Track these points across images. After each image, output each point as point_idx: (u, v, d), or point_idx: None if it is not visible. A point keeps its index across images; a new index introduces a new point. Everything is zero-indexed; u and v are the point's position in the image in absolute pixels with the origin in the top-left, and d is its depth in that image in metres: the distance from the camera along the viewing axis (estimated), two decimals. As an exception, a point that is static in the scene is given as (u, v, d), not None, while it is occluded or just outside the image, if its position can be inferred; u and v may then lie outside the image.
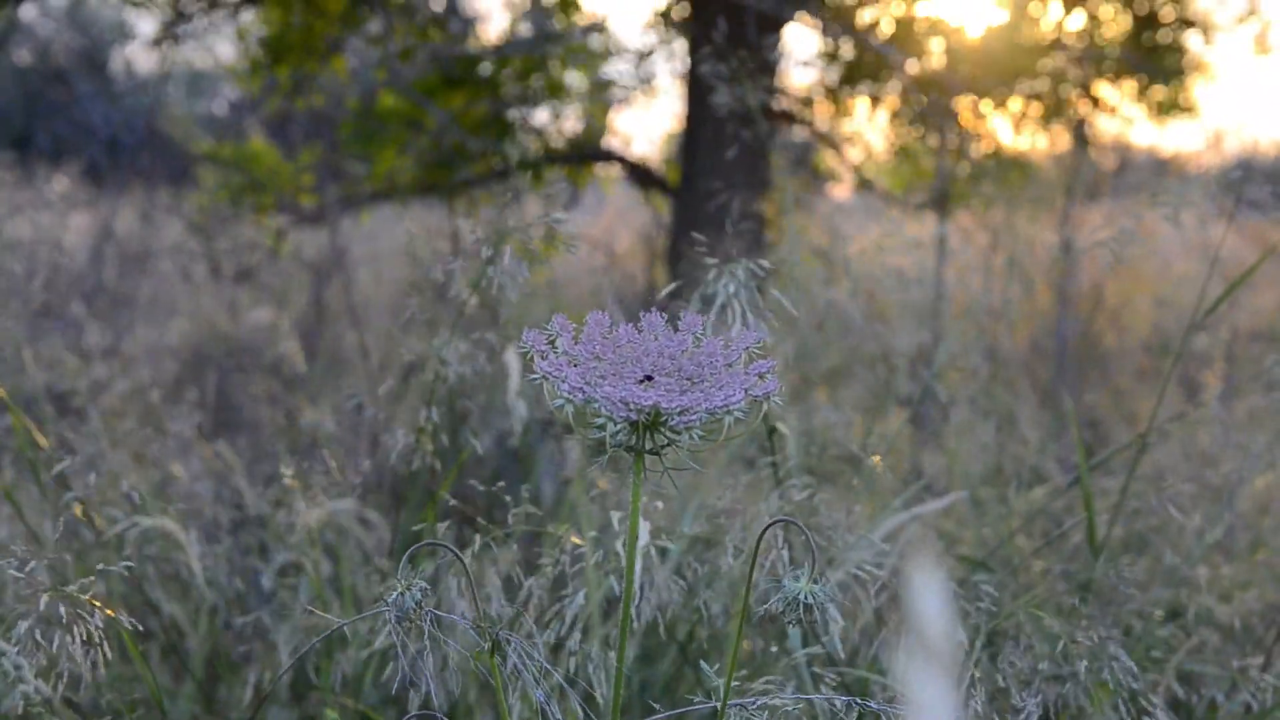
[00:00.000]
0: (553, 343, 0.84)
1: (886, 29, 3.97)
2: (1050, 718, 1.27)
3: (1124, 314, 4.22)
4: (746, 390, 0.80)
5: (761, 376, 0.82)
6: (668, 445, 0.81)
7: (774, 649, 1.38)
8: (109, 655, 1.10)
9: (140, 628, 1.18)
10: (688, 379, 0.83)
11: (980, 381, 2.68)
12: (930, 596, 0.43)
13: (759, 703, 0.94)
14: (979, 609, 1.33)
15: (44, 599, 1.07)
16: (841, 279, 2.61)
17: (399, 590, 0.85)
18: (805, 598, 0.85)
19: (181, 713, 1.72)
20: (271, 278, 4.69)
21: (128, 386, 2.35)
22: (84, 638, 1.08)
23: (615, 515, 1.26)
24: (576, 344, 0.85)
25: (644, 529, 1.27)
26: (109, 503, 1.83)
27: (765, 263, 1.34)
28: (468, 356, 1.47)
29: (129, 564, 1.21)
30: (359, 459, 2.19)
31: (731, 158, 3.42)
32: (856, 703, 0.91)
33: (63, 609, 1.09)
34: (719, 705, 0.91)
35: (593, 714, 1.06)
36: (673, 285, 1.40)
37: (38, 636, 1.09)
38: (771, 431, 1.41)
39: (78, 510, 1.67)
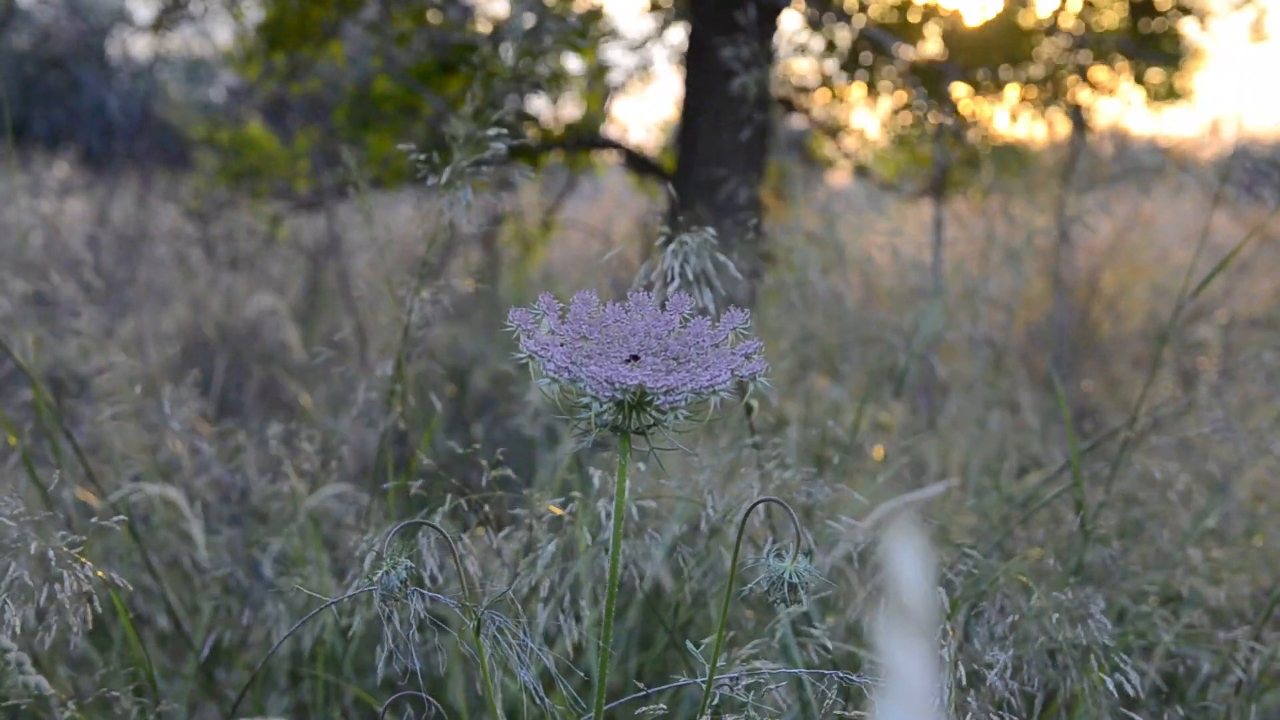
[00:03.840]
0: (539, 322, 0.84)
1: (883, 15, 3.96)
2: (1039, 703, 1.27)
3: (1121, 302, 4.22)
4: (733, 370, 0.80)
5: (748, 357, 0.82)
6: (653, 425, 0.81)
7: (765, 628, 1.38)
8: (99, 609, 1.10)
9: (130, 586, 1.18)
10: (674, 359, 0.83)
11: (978, 368, 2.68)
12: (909, 563, 0.43)
13: (744, 681, 0.94)
14: (961, 574, 1.33)
15: (33, 545, 1.07)
16: (838, 264, 2.61)
17: (384, 569, 0.85)
18: (790, 577, 0.85)
19: (180, 695, 1.72)
20: (268, 263, 4.69)
21: (126, 372, 2.35)
22: (74, 588, 1.08)
23: (595, 473, 1.26)
24: (563, 323, 0.85)
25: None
26: (114, 485, 1.83)
27: (712, 230, 1.32)
28: (431, 301, 1.46)
29: (122, 518, 1.21)
30: (348, 440, 2.19)
31: (730, 144, 3.41)
32: (838, 676, 0.91)
33: (52, 554, 1.08)
34: (704, 684, 0.91)
35: (581, 700, 1.07)
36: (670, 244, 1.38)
37: (27, 579, 1.08)
38: (749, 410, 1.40)
39: (87, 496, 1.67)
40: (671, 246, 1.30)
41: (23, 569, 1.09)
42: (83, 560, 1.10)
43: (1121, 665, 1.21)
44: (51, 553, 1.08)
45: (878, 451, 2.01)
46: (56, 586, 1.08)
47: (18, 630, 1.07)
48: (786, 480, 1.38)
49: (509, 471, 1.35)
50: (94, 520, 1.21)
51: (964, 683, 1.12)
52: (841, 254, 2.51)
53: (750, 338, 0.85)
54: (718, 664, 0.93)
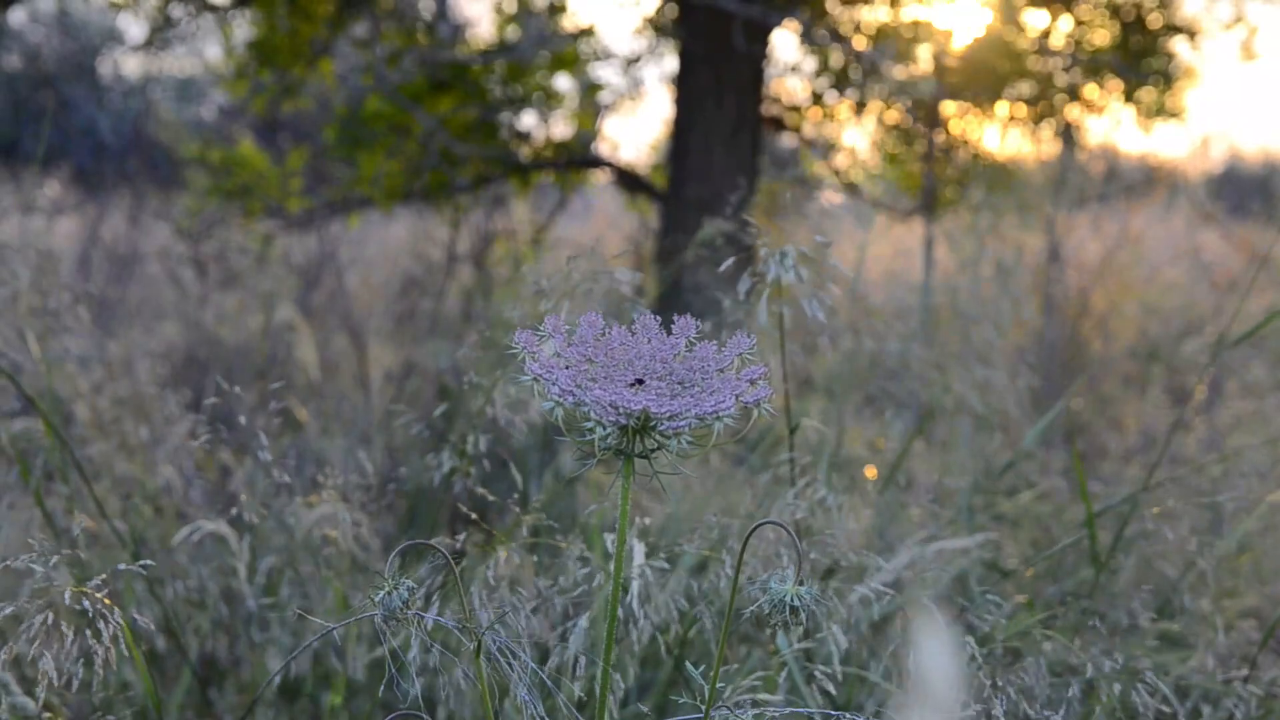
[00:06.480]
0: (545, 344, 0.84)
1: (873, 35, 3.97)
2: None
3: (1111, 320, 4.23)
4: (738, 396, 0.80)
5: (753, 382, 0.82)
6: (657, 449, 0.81)
7: (770, 654, 1.38)
8: (125, 653, 1.09)
9: (151, 625, 1.18)
10: (679, 383, 0.83)
11: (973, 388, 2.68)
12: (935, 644, 0.43)
13: (748, 714, 0.94)
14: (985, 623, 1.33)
15: (67, 593, 1.06)
16: (832, 283, 2.61)
17: (385, 589, 0.85)
18: (792, 600, 0.85)
19: (174, 715, 1.71)
20: (259, 282, 4.69)
21: (120, 391, 2.34)
22: (110, 638, 1.07)
23: (608, 537, 1.25)
24: (569, 346, 0.85)
25: (639, 549, 1.27)
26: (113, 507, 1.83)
27: (822, 238, 1.34)
28: (518, 405, 1.48)
29: (147, 563, 1.20)
30: (350, 464, 2.18)
31: (721, 163, 3.43)
32: (843, 716, 0.91)
33: (86, 604, 1.08)
34: (705, 708, 0.91)
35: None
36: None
37: (61, 628, 1.08)
38: (793, 431, 1.41)
39: (88, 521, 1.67)
40: (774, 257, 1.31)
41: (40, 612, 1.08)
42: (112, 606, 1.09)
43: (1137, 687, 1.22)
44: (87, 602, 1.07)
45: (870, 471, 2.00)
46: (88, 635, 1.07)
47: (55, 680, 1.06)
48: (815, 505, 1.38)
49: (540, 515, 1.35)
50: (103, 567, 1.20)
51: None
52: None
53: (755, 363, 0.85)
54: (722, 694, 0.92)
